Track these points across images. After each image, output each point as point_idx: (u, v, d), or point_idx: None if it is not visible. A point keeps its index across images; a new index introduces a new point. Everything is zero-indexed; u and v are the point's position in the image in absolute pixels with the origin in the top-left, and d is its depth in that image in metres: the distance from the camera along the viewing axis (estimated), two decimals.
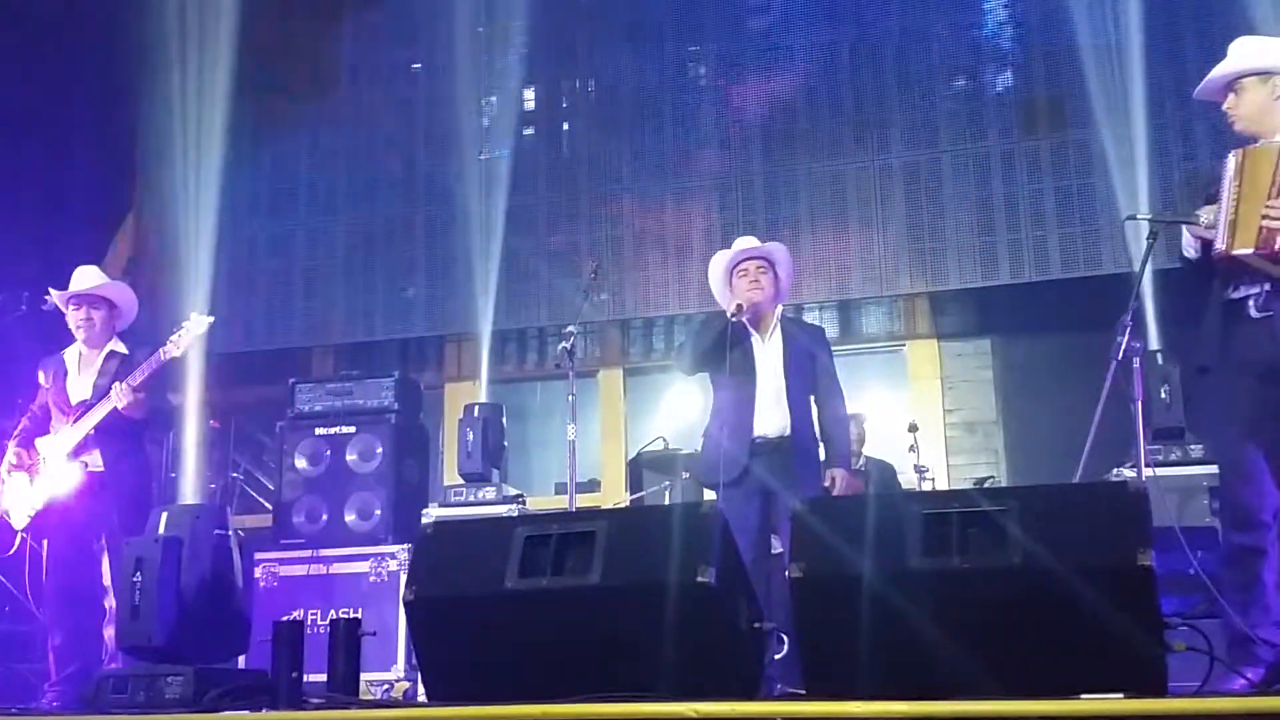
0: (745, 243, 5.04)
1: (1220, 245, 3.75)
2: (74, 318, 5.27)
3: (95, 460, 5.09)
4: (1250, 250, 3.69)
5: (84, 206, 7.66)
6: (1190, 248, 3.96)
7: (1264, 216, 3.67)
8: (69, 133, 7.66)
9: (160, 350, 5.05)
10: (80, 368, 5.27)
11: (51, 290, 5.36)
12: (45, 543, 5.08)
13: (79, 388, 5.22)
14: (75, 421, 5.10)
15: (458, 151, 7.88)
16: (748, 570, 3.45)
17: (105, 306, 5.28)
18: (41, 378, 5.31)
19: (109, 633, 4.91)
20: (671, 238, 7.51)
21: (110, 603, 4.93)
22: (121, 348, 5.25)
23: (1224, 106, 3.96)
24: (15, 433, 5.27)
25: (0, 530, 5.16)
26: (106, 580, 4.96)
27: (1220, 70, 3.97)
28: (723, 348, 4.82)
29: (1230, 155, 3.83)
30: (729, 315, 4.79)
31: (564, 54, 7.95)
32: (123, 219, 8.31)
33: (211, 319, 5.19)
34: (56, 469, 5.08)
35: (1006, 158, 7.11)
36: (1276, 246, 3.65)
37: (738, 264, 4.96)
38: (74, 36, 7.64)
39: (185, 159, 7.35)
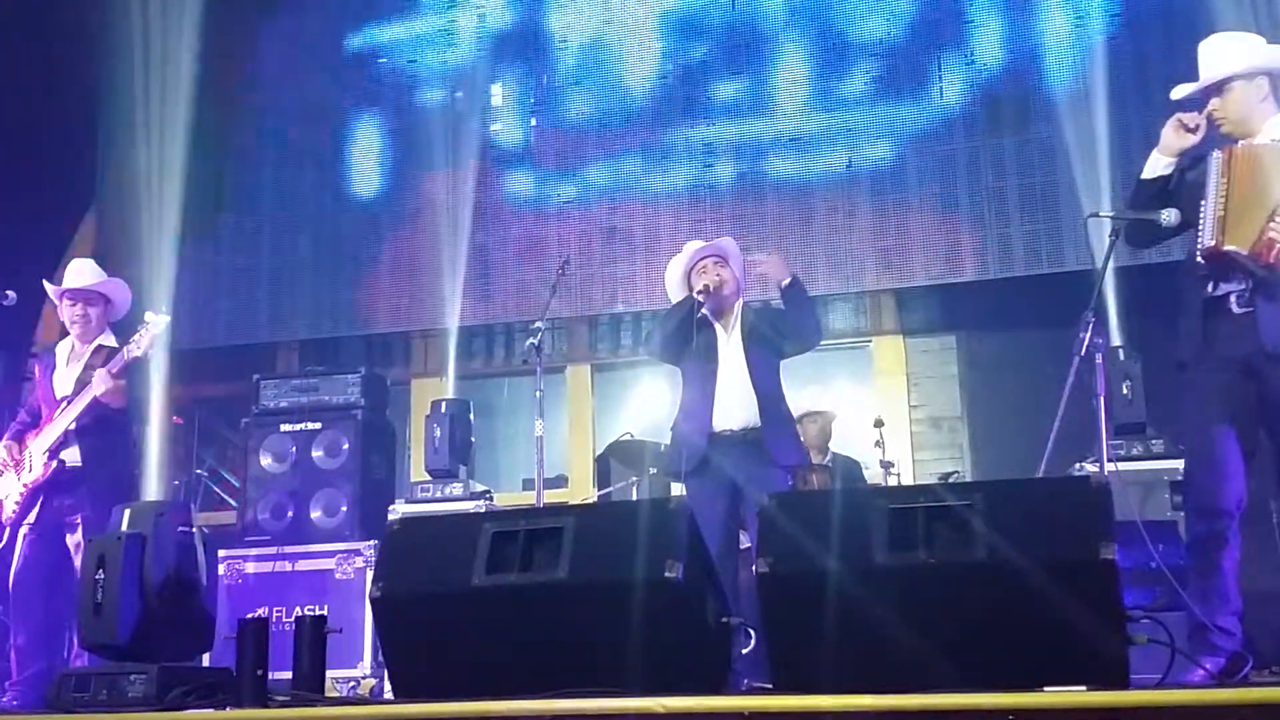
0: (696, 244, 5.13)
1: (1209, 241, 3.78)
2: (69, 313, 5.22)
3: (73, 455, 5.04)
4: (1245, 250, 3.72)
5: (45, 201, 7.58)
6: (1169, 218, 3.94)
7: (1271, 226, 3.69)
8: (29, 127, 7.57)
9: (123, 349, 5.02)
10: (68, 361, 5.23)
11: (46, 284, 5.31)
12: (20, 537, 5.03)
13: (64, 381, 5.17)
14: (59, 415, 5.05)
15: (425, 147, 7.85)
16: (715, 565, 3.46)
17: (101, 303, 5.24)
18: (36, 372, 5.28)
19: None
20: (640, 234, 7.50)
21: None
22: (112, 341, 5.23)
23: (1209, 109, 3.96)
24: (9, 428, 5.24)
25: None
26: (81, 576, 4.89)
27: (1210, 72, 3.98)
28: (689, 331, 4.86)
29: (1215, 153, 3.86)
30: (695, 295, 4.86)
31: (531, 48, 7.92)
32: (84, 213, 8.22)
33: (168, 318, 5.16)
34: (37, 463, 5.04)
35: (971, 155, 7.14)
36: (1272, 257, 3.68)
37: (694, 265, 5.03)
38: (33, 28, 7.55)
39: (148, 153, 7.28)
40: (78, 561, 4.90)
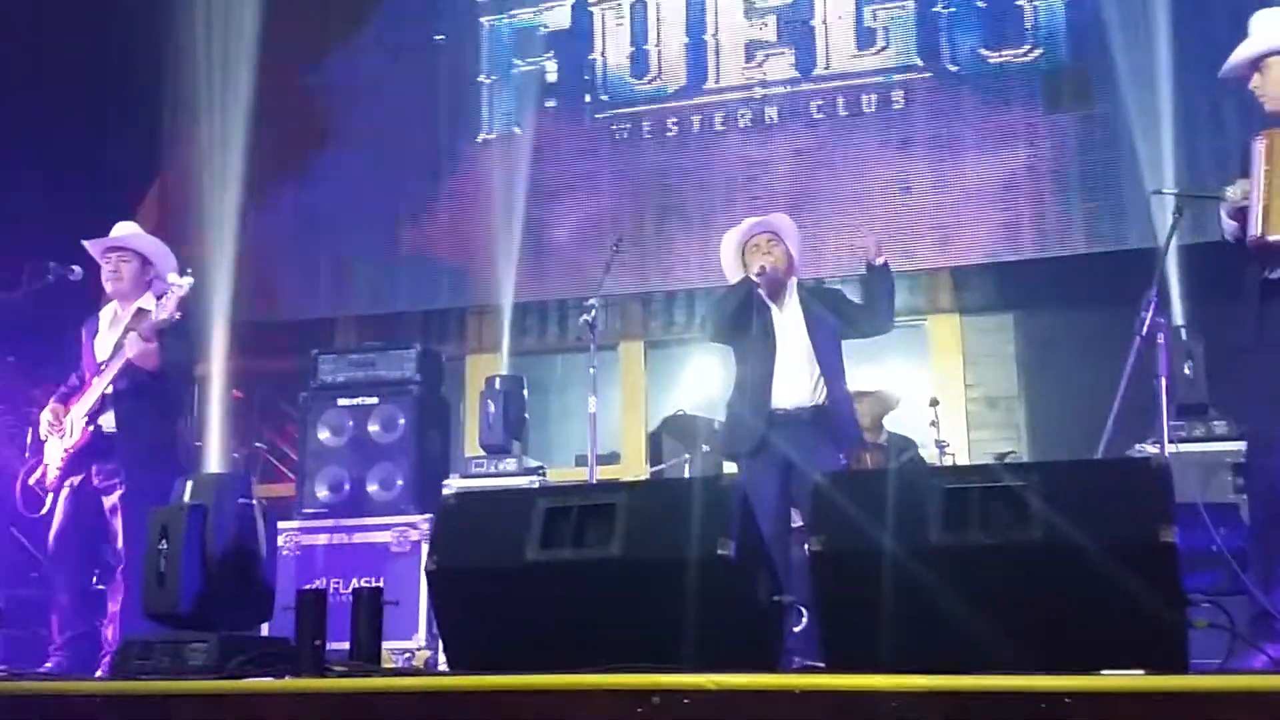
0: (751, 220, 5.11)
1: (1255, 231, 3.72)
2: (104, 271, 5.22)
3: (109, 420, 5.04)
4: None
5: (112, 172, 7.67)
6: (1228, 234, 3.93)
7: None
8: (98, 98, 7.67)
9: (150, 312, 4.99)
10: (110, 325, 5.21)
11: (85, 242, 5.27)
12: (60, 502, 5.07)
13: (104, 346, 5.16)
14: (97, 379, 5.05)
15: (479, 123, 7.88)
16: (767, 543, 3.46)
17: (136, 260, 5.18)
18: (84, 337, 5.29)
19: (114, 595, 4.91)
20: (694, 211, 7.49)
21: (116, 565, 4.93)
22: (152, 304, 5.13)
23: (1251, 85, 3.90)
24: (57, 392, 5.25)
25: (38, 491, 5.17)
26: (119, 544, 4.97)
27: (1245, 49, 3.92)
28: (748, 315, 4.86)
29: (1258, 139, 3.78)
30: (754, 276, 4.86)
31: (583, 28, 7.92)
32: (151, 184, 8.33)
33: (191, 280, 5.03)
34: (76, 428, 5.06)
35: (1030, 130, 7.05)
36: None
37: (748, 240, 5.03)
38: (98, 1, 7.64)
39: (211, 124, 7.35)
40: (116, 525, 4.96)
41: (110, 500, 5.00)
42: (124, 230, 5.28)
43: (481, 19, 8.11)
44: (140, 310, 5.17)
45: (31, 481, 5.15)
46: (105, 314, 5.28)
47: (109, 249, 5.20)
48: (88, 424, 5.03)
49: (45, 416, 5.16)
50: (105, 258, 5.21)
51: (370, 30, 8.24)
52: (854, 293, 7.19)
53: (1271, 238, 3.68)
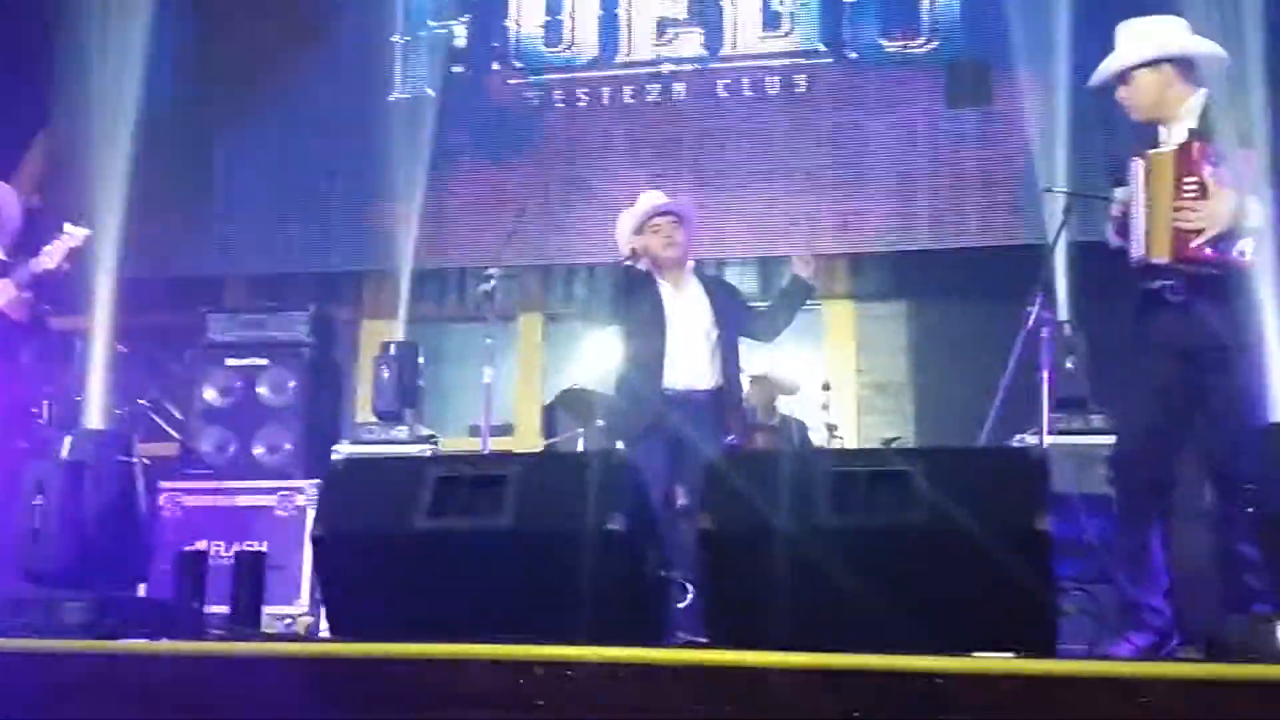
0: (656, 198, 5.08)
1: (1139, 253, 3.84)
2: None
3: None
4: (1168, 259, 3.78)
5: None
6: (1111, 242, 4.05)
7: (1175, 222, 3.75)
8: None
9: (32, 260, 4.79)
10: None
11: None
12: None
13: None
14: None
15: (383, 87, 7.75)
16: (657, 519, 3.49)
17: None
18: None
19: None
20: (598, 184, 7.47)
21: None
22: (0, 254, 4.93)
23: (1117, 96, 4.00)
24: None
25: None
26: None
27: (1110, 63, 4.01)
28: (629, 297, 4.86)
29: (1136, 159, 3.89)
30: (626, 260, 4.85)
31: None
32: (35, 135, 8.05)
33: (88, 231, 4.87)
34: None
35: (930, 123, 7.17)
36: (1190, 248, 3.74)
37: (647, 221, 5.00)
38: None
39: (104, 75, 7.11)
40: None
41: None
42: None
43: None
44: None
45: None
46: None
47: None
48: None
49: None
50: None
51: None
52: (750, 281, 7.34)
53: (1155, 260, 3.81)
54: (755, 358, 6.23)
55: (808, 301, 5.14)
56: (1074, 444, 5.21)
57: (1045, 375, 4.84)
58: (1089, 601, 4.16)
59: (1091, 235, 5.10)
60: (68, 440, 4.01)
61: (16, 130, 7.83)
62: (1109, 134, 4.60)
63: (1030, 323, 4.53)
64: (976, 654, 2.77)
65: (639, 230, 5.03)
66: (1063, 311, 5.76)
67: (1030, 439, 5.08)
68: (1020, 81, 6.80)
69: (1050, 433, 4.94)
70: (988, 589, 2.86)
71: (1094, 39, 6.57)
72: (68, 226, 4.79)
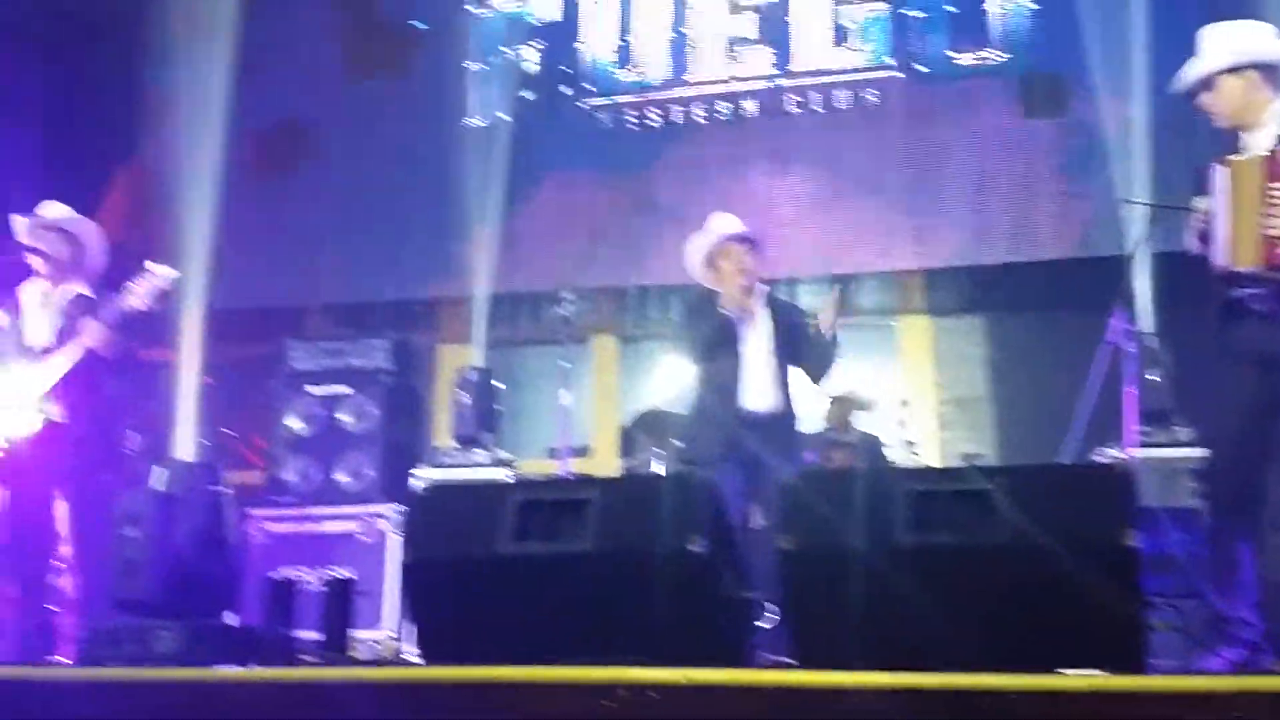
0: (727, 224, 5.03)
1: (1224, 260, 3.77)
2: (38, 249, 5.03)
3: (53, 409, 4.92)
4: (1255, 266, 3.71)
5: (83, 154, 7.59)
6: (1195, 247, 3.97)
7: (1263, 229, 3.68)
8: (66, 82, 7.60)
9: (119, 299, 4.81)
10: (41, 306, 4.95)
11: (15, 217, 5.05)
12: (4, 492, 4.95)
13: (38, 329, 4.92)
14: (38, 366, 4.91)
15: (457, 114, 7.87)
16: (737, 540, 3.49)
17: (67, 242, 4.97)
18: (2, 318, 5.11)
19: (64, 583, 4.83)
20: (670, 205, 7.50)
21: (66, 553, 4.84)
22: (87, 290, 4.95)
23: (1201, 102, 3.94)
24: None
25: None
26: (64, 530, 4.88)
27: (1194, 68, 3.96)
28: (702, 319, 4.87)
29: (1218, 168, 3.82)
30: (722, 308, 4.83)
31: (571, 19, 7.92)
32: (119, 171, 8.26)
33: (176, 273, 4.92)
34: (18, 415, 4.93)
35: (1005, 134, 7.10)
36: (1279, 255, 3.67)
37: (721, 247, 4.97)
38: None
39: (187, 111, 7.30)
40: (59, 514, 4.78)
41: (58, 489, 4.90)
42: (58, 210, 5.13)
43: (469, 7, 8.10)
44: (80, 296, 4.99)
45: None
46: (29, 295, 5.00)
47: (42, 228, 5.06)
48: (33, 411, 4.88)
49: None
50: (37, 236, 5.05)
51: (342, 19, 8.20)
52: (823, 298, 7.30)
53: (1239, 268, 3.74)
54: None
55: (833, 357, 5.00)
56: (1159, 457, 5.13)
57: (1128, 388, 4.77)
58: (1178, 617, 4.08)
59: (1172, 245, 5.02)
60: (158, 471, 4.10)
61: (103, 165, 8.04)
62: (1187, 142, 4.52)
63: (1111, 335, 4.46)
64: (1065, 672, 2.74)
65: (710, 256, 5.01)
66: (1145, 323, 5.67)
67: (1115, 453, 5.01)
68: (1096, 90, 6.72)
69: (1135, 446, 4.86)
70: (1074, 606, 2.82)
71: (1171, 47, 6.52)
72: (150, 265, 4.85)
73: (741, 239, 4.96)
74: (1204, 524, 4.06)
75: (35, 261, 4.98)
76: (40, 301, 4.99)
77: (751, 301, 4.96)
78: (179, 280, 5.27)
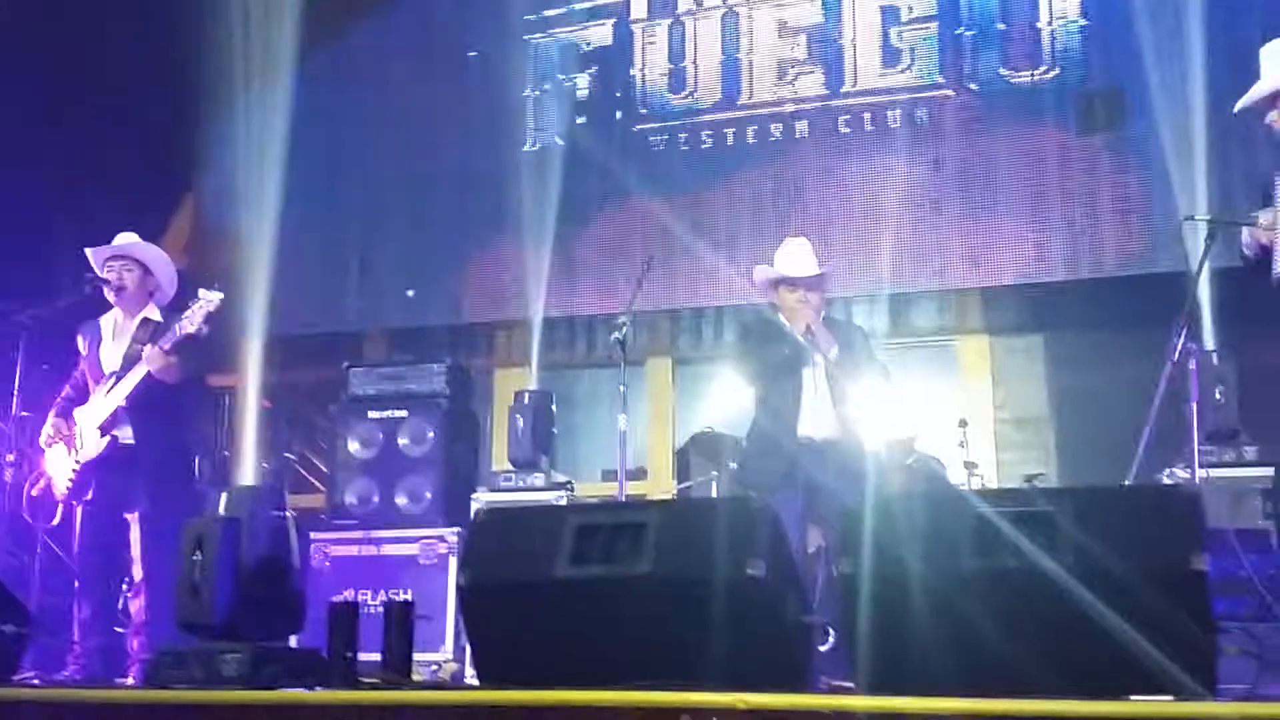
0: (792, 265, 5.09)
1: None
2: (109, 278, 5.19)
3: (126, 434, 5.02)
4: None
5: (141, 187, 7.72)
6: (1248, 249, 3.93)
7: None
8: (126, 111, 7.74)
9: (175, 325, 4.99)
10: (114, 335, 5.19)
11: (88, 250, 5.26)
12: (78, 514, 5.08)
13: (111, 355, 5.15)
14: (108, 391, 5.06)
15: (510, 139, 7.93)
16: (796, 564, 3.48)
17: (138, 269, 5.19)
18: (80, 345, 5.27)
19: (135, 605, 4.96)
20: (724, 227, 7.51)
21: (137, 575, 4.96)
22: (157, 315, 5.18)
23: (1268, 120, 3.92)
24: (57, 402, 5.25)
25: (45, 501, 5.20)
26: (135, 553, 4.99)
27: (1261, 86, 3.93)
28: (763, 343, 4.91)
29: (1278, 176, 3.79)
30: (800, 335, 4.87)
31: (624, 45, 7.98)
32: (180, 199, 8.40)
33: (221, 295, 5.06)
34: (89, 440, 5.07)
35: (1062, 151, 7.04)
36: None
37: (788, 281, 5.06)
38: (134, 8, 7.72)
39: (246, 140, 7.42)
40: (133, 538, 4.99)
41: (130, 513, 5.02)
42: (126, 239, 5.29)
43: (525, 36, 8.18)
44: (147, 320, 5.16)
45: (35, 492, 5.15)
46: (106, 323, 5.24)
47: (112, 257, 5.22)
48: (102, 436, 5.03)
49: (46, 429, 5.15)
50: (108, 266, 5.21)
51: (399, 48, 8.29)
52: (880, 318, 7.27)
53: None
54: (887, 390, 6.17)
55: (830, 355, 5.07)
56: (1227, 477, 5.04)
57: (1194, 407, 4.69)
58: (1249, 640, 4.00)
59: (1235, 261, 4.96)
60: (224, 496, 4.17)
61: (164, 193, 8.18)
62: (1247, 156, 4.46)
63: (1176, 353, 4.40)
64: (1134, 698, 2.70)
65: (777, 284, 5.09)
66: (1209, 340, 5.59)
67: (1180, 473, 4.93)
68: (1153, 106, 6.65)
69: (1201, 466, 4.78)
70: (1143, 631, 2.78)
71: (1225, 59, 6.45)
72: (202, 291, 5.00)
73: (812, 280, 5.04)
74: (1274, 544, 3.99)
75: (109, 292, 5.14)
76: (114, 329, 5.16)
77: (813, 324, 5.01)
78: (238, 306, 5.37)
